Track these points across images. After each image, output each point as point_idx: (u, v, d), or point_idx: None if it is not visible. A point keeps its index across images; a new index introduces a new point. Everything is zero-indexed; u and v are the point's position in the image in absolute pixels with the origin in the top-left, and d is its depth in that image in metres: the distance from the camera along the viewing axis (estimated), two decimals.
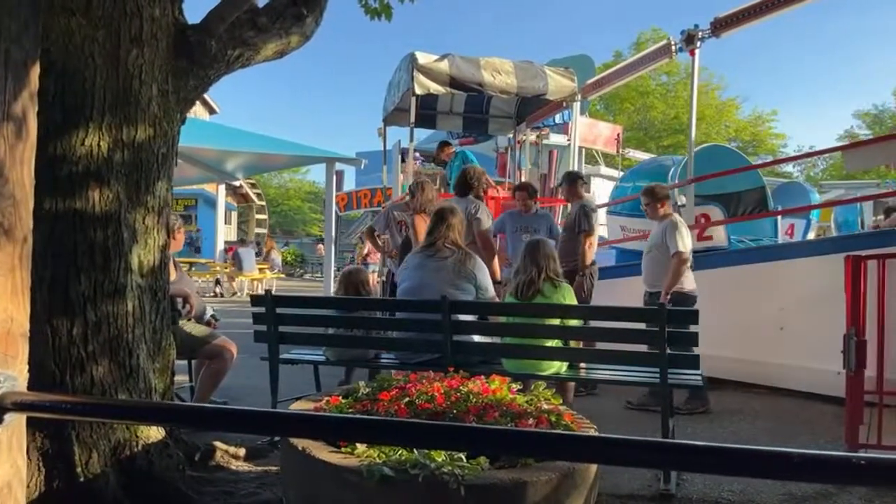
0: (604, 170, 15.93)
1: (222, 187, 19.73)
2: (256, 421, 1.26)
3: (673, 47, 6.33)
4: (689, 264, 4.72)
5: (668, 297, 4.35)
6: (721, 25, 5.85)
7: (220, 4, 2.98)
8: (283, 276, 20.62)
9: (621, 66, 7.70)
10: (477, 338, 3.70)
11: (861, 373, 3.46)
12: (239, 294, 15.38)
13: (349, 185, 29.50)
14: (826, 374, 4.79)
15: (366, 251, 15.22)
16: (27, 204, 1.35)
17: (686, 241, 4.69)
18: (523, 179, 10.32)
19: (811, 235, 10.98)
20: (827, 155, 24.15)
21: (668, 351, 3.08)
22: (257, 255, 17.29)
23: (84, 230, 2.57)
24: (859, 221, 13.65)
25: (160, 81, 2.86)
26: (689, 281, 4.73)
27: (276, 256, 18.63)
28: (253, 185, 29.49)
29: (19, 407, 1.29)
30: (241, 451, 3.43)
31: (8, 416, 1.29)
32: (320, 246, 27.07)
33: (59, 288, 2.50)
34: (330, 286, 14.26)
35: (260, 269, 16.13)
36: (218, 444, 3.36)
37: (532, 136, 10.35)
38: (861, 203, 11.62)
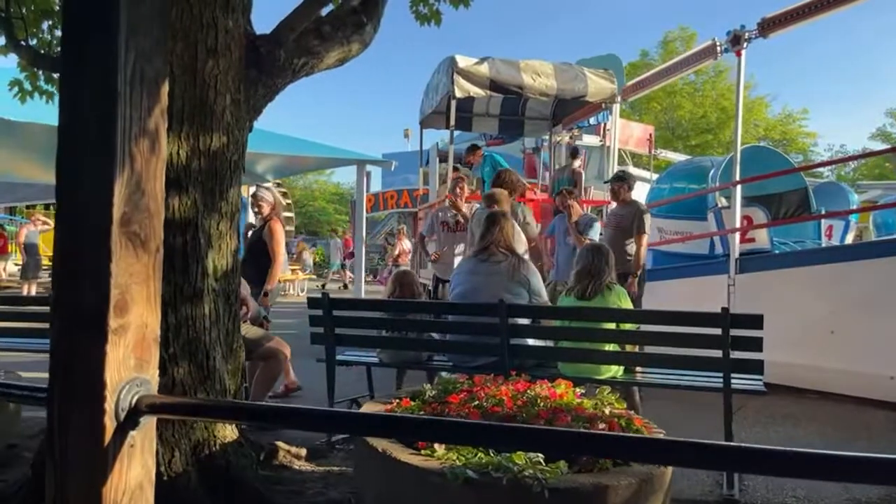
0: (632, 170, 15.84)
1: (252, 189, 20.04)
2: (376, 424, 1.30)
3: (718, 48, 6.28)
4: None
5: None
6: (769, 26, 5.80)
7: (290, 15, 3.06)
8: (313, 276, 20.82)
9: (663, 67, 7.66)
10: (531, 341, 3.73)
11: None
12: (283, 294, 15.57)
13: (375, 186, 29.69)
14: (879, 379, 4.73)
15: (396, 252, 15.30)
16: (160, 216, 1.41)
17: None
18: (554, 180, 10.32)
19: (850, 236, 10.80)
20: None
21: (732, 355, 3.08)
22: (289, 255, 17.49)
23: (165, 236, 2.64)
24: None
25: (233, 91, 2.93)
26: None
27: (308, 257, 18.84)
28: (280, 187, 29.79)
29: (153, 409, 1.36)
30: (303, 452, 3.50)
31: (143, 419, 1.35)
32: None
33: None
34: (361, 287, 14.38)
35: (292, 270, 16.32)
36: (280, 444, 3.43)
37: (566, 137, 10.33)
38: None
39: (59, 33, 3.86)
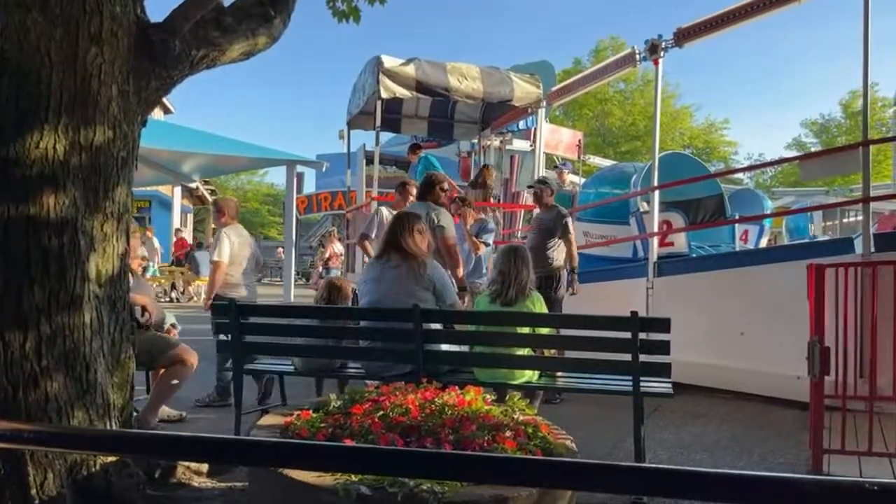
0: (549, 173, 16.12)
1: (178, 189, 19.24)
2: (230, 451, 1.17)
3: (637, 56, 6.42)
4: None
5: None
6: (683, 36, 5.97)
7: (183, 3, 2.87)
8: None
9: (586, 73, 7.79)
10: (445, 347, 3.65)
11: (824, 379, 3.54)
12: (196, 299, 14.99)
13: (309, 187, 29.16)
14: (787, 380, 4.91)
15: (327, 255, 15.02)
16: None
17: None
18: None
19: (764, 241, 11.31)
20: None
21: (641, 359, 3.10)
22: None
23: (38, 237, 2.43)
24: (810, 228, 14.15)
25: (120, 82, 2.72)
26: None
27: None
28: (209, 187, 28.86)
29: None
30: (204, 468, 3.29)
31: None
32: (280, 249, 26.68)
33: (10, 299, 2.35)
34: (291, 291, 14.03)
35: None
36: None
37: (496, 142, 10.38)
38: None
39: None
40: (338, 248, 14.66)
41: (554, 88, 8.22)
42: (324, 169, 15.66)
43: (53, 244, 2.46)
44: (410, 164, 15.12)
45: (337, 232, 16.63)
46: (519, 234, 11.52)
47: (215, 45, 3.10)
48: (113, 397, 2.68)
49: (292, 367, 4.09)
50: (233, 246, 5.06)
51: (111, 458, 2.55)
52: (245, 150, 14.74)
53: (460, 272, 4.60)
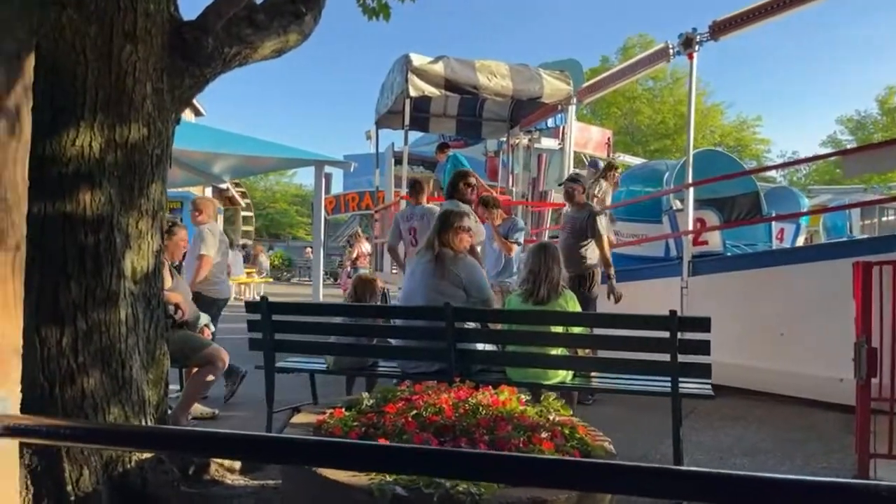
0: (582, 172, 15.91)
1: (209, 190, 19.51)
2: (268, 449, 1.14)
3: (671, 51, 6.29)
4: None
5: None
6: (720, 29, 5.82)
7: (216, 0, 2.87)
8: (270, 280, 20.39)
9: (618, 68, 7.66)
10: (479, 345, 3.60)
11: (870, 381, 3.40)
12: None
13: (337, 188, 29.33)
14: (829, 382, 4.75)
15: (355, 255, 15.06)
16: (20, 208, 1.23)
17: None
18: (514, 183, 10.28)
19: (801, 240, 11.03)
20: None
21: (680, 359, 3.01)
22: (245, 258, 17.08)
23: (74, 235, 2.44)
24: (847, 226, 13.75)
25: (154, 79, 2.73)
26: None
27: (264, 260, 18.44)
28: (239, 188, 29.23)
29: (11, 432, 1.17)
30: (237, 465, 3.29)
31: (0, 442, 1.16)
32: (308, 249, 26.88)
33: (47, 296, 2.36)
34: (319, 291, 14.10)
35: (248, 273, 15.93)
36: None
37: (524, 140, 10.29)
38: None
39: None
40: (366, 247, 14.69)
41: (585, 85, 8.11)
42: (352, 169, 15.67)
43: (90, 241, 2.47)
44: (438, 164, 15.07)
45: (364, 232, 16.68)
46: (546, 234, 11.42)
47: (247, 43, 3.09)
48: (148, 394, 2.68)
49: (325, 365, 4.08)
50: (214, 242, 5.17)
51: (146, 455, 2.55)
52: (274, 151, 14.84)
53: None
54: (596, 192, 7.19)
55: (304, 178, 46.46)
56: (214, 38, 2.91)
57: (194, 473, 3.07)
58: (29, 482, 2.29)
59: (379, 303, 4.92)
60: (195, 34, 2.83)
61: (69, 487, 2.34)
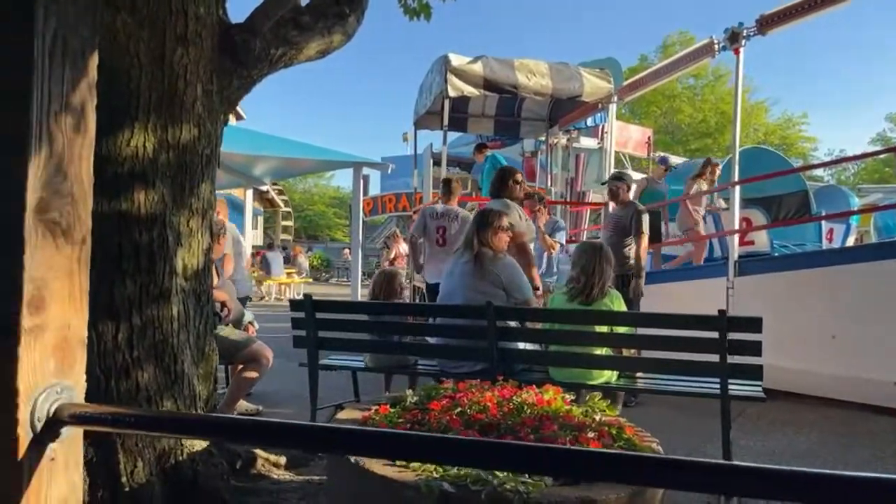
0: (631, 173, 15.68)
1: (250, 192, 19.87)
2: (330, 438, 1.15)
3: (716, 46, 6.15)
4: None
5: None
6: (767, 23, 5.67)
7: (264, 3, 2.92)
8: (310, 280, 20.67)
9: (661, 65, 7.53)
10: (521, 345, 3.58)
11: None
12: (267, 298, 15.42)
13: (374, 189, 29.60)
14: (882, 385, 4.58)
15: (392, 255, 15.16)
16: (86, 203, 1.27)
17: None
18: (553, 183, 10.20)
19: (851, 240, 10.67)
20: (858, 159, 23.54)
21: (730, 360, 2.93)
22: (285, 259, 17.35)
23: (129, 232, 2.51)
24: None
25: (204, 81, 2.79)
26: None
27: (304, 261, 18.70)
28: (279, 190, 29.75)
29: (77, 420, 1.21)
30: (282, 460, 3.34)
31: (65, 431, 1.20)
32: (346, 250, 27.19)
33: (104, 291, 2.44)
34: (358, 291, 14.23)
35: (287, 274, 16.17)
36: (259, 451, 3.28)
37: (563, 139, 10.20)
38: None
39: None
40: (403, 248, 14.76)
41: (626, 82, 7.99)
42: (389, 171, 15.83)
43: (144, 239, 2.54)
44: (474, 164, 15.05)
45: (402, 233, 16.76)
46: (585, 235, 11.30)
47: (293, 44, 3.14)
48: (199, 388, 2.74)
49: (363, 363, 4.11)
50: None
51: (198, 448, 2.61)
52: (313, 153, 15.07)
53: (534, 271, 4.50)
54: (694, 189, 6.99)
55: (341, 180, 47.03)
56: (261, 40, 2.97)
57: (241, 467, 3.13)
58: (85, 473, 2.36)
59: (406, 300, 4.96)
60: (243, 36, 2.88)
61: (124, 479, 2.41)
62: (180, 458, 2.55)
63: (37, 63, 1.17)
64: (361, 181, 15.58)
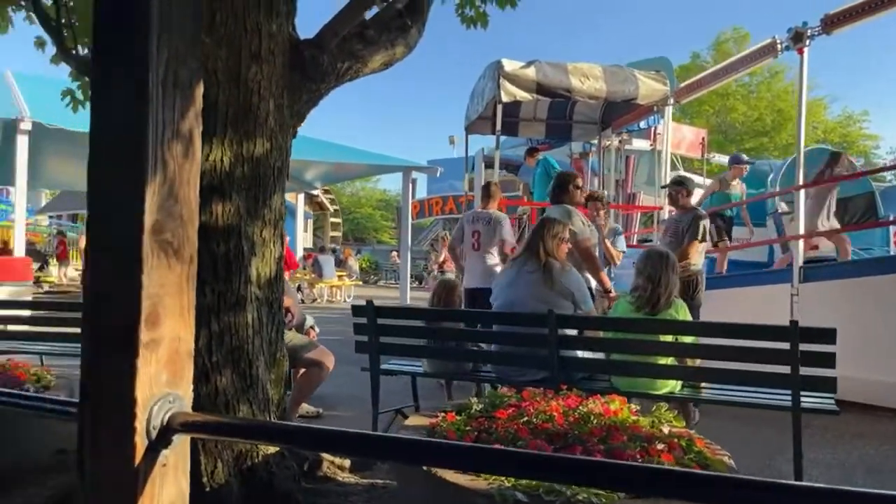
0: (681, 174, 15.34)
1: (301, 196, 20.32)
2: (420, 451, 1.19)
3: (779, 46, 5.99)
4: None
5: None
6: (833, 22, 5.49)
7: (333, 19, 3.01)
8: (360, 282, 20.97)
9: (720, 66, 7.36)
10: (581, 353, 3.57)
11: None
12: (319, 301, 15.72)
13: (421, 193, 29.81)
14: None
15: (442, 258, 15.25)
16: (193, 224, 1.35)
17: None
18: (602, 186, 10.09)
19: None
20: None
21: (802, 372, 2.87)
22: (336, 262, 17.65)
23: (208, 243, 2.62)
24: None
25: (276, 96, 2.89)
26: None
27: (354, 264, 18.98)
28: (327, 194, 30.26)
29: (187, 428, 1.29)
30: (347, 463, 3.42)
31: (176, 438, 1.28)
32: (394, 253, 27.47)
33: None
34: (406, 294, 14.39)
35: (338, 276, 16.45)
36: (324, 455, 3.36)
37: (615, 142, 10.09)
38: None
39: None
40: None
41: (683, 84, 7.85)
42: (438, 174, 15.95)
43: (221, 249, 2.65)
44: (521, 167, 14.98)
45: (449, 235, 16.85)
46: (635, 238, 11.13)
47: (359, 58, 3.22)
48: (271, 392, 2.84)
49: (422, 369, 4.17)
50: None
51: (272, 451, 2.71)
52: (364, 158, 15.34)
53: (603, 276, 4.47)
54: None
55: (387, 183, 47.53)
56: (329, 54, 3.05)
57: (308, 469, 3.22)
58: None
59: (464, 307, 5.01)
60: (312, 52, 2.98)
61: (205, 479, 2.52)
62: (256, 460, 2.65)
63: (152, 93, 1.25)
64: (410, 185, 15.77)
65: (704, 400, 3.41)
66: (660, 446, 2.31)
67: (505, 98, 6.78)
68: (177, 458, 1.33)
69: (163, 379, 1.29)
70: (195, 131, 1.37)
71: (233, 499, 2.53)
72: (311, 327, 4.82)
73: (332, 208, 31.51)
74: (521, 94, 6.82)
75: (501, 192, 6.42)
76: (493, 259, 5.68)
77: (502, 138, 16.24)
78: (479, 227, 5.77)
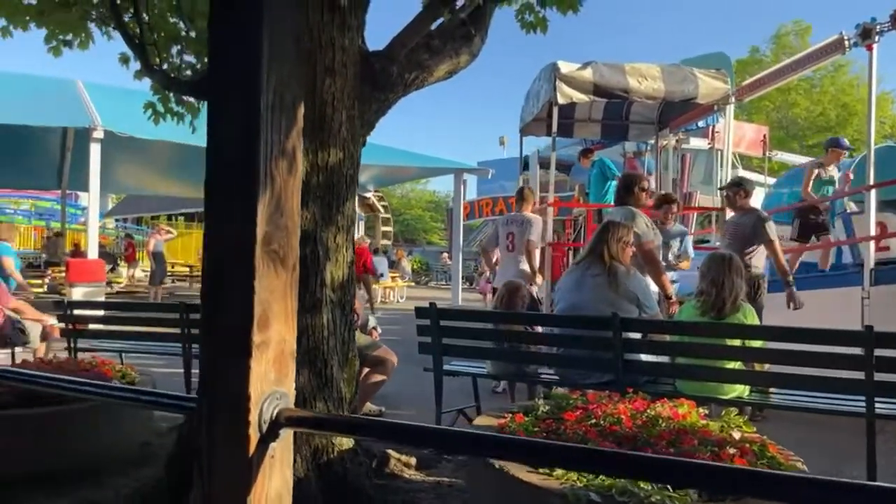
0: (745, 174, 14.94)
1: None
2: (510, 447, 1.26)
3: (846, 42, 5.80)
4: None
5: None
6: None
7: (402, 31, 3.11)
8: (412, 283, 21.20)
9: (785, 63, 7.16)
10: (645, 357, 3.58)
11: None
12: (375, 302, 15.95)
13: (470, 194, 29.88)
14: None
15: (494, 260, 15.30)
16: (296, 234, 1.45)
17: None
18: (659, 186, 9.94)
19: None
20: None
21: (876, 377, 2.81)
22: (389, 263, 17.90)
23: None
24: None
25: (348, 107, 3.01)
26: None
27: (407, 265, 19.20)
28: (379, 196, 30.67)
29: (292, 422, 1.39)
30: (413, 461, 3.52)
31: (283, 432, 1.38)
32: (445, 255, 27.64)
33: None
34: (458, 295, 14.49)
35: (392, 278, 16.68)
36: (391, 452, 3.47)
37: (672, 141, 9.93)
38: None
39: (187, 58, 4.12)
40: None
41: (746, 82, 7.68)
42: (490, 176, 16.00)
43: (299, 254, 2.78)
44: (572, 167, 14.84)
45: None
46: (692, 239, 10.89)
47: (425, 68, 3.32)
48: (344, 391, 2.97)
49: (484, 370, 4.24)
50: None
51: (345, 447, 2.83)
52: (416, 161, 15.53)
53: (665, 279, 4.46)
54: None
55: (437, 184, 47.77)
56: (398, 65, 3.16)
57: (377, 466, 3.34)
58: None
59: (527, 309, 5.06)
60: (383, 63, 3.09)
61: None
62: (331, 455, 2.77)
63: (263, 116, 1.36)
64: (462, 187, 15.86)
65: (773, 405, 3.36)
66: (731, 451, 2.32)
67: (561, 100, 6.80)
68: (283, 450, 1.44)
69: (271, 377, 1.40)
70: (297, 148, 1.49)
71: (311, 491, 2.65)
72: (374, 328, 4.96)
73: (382, 210, 31.89)
74: (578, 96, 6.82)
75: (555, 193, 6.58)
76: (525, 262, 5.93)
77: (551, 139, 16.18)
78: (513, 230, 5.98)
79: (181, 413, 2.44)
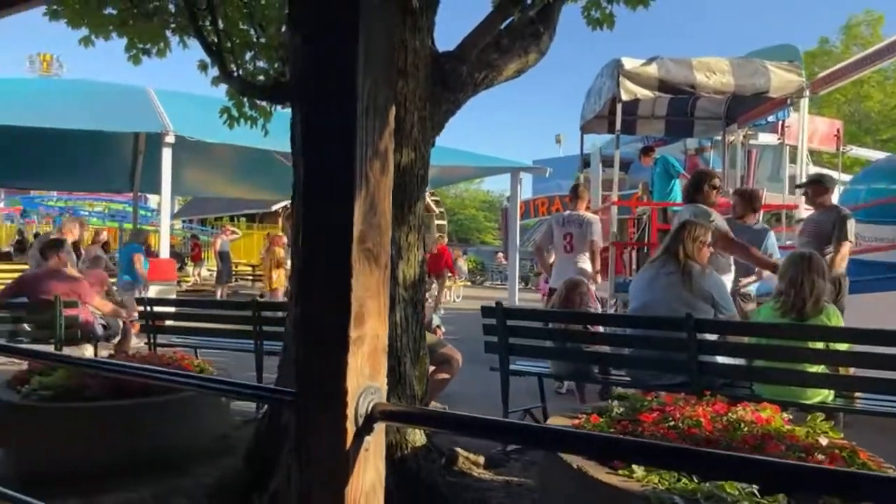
0: (813, 170, 14.32)
1: None
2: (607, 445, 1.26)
3: None
4: None
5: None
6: None
7: (473, 31, 3.13)
8: (467, 283, 21.24)
9: (863, 55, 6.85)
10: (721, 359, 3.48)
11: None
12: (429, 301, 16.09)
13: (525, 193, 29.69)
14: None
15: (551, 260, 15.16)
16: (388, 233, 1.48)
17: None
18: (726, 183, 9.63)
19: None
20: None
21: None
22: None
23: None
24: None
25: (419, 108, 3.05)
26: None
27: (463, 265, 19.25)
28: (433, 196, 30.85)
29: (385, 416, 1.42)
30: (481, 459, 3.54)
31: (376, 426, 1.42)
32: (500, 254, 27.58)
33: None
34: (515, 295, 14.42)
35: (448, 277, 16.73)
36: (460, 450, 3.49)
37: (740, 137, 9.61)
38: None
39: (260, 64, 4.24)
40: None
41: (822, 74, 7.36)
42: (547, 174, 15.86)
43: None
44: (631, 164, 14.52)
45: None
46: None
47: (494, 67, 3.33)
48: (416, 388, 3.01)
49: (549, 370, 4.21)
50: None
51: (418, 444, 2.87)
52: (472, 160, 15.52)
53: (755, 251, 4.35)
54: None
55: (490, 184, 47.75)
56: (468, 65, 3.18)
57: (446, 464, 3.37)
58: None
59: (593, 309, 4.99)
60: (453, 64, 3.12)
61: None
62: (405, 451, 2.82)
63: (359, 119, 1.40)
64: (518, 186, 15.77)
65: (859, 411, 3.22)
66: (820, 457, 2.23)
67: (625, 97, 6.68)
68: (376, 444, 1.47)
69: (366, 372, 1.43)
70: (389, 149, 1.52)
71: (387, 487, 2.69)
72: (438, 326, 5.00)
73: (437, 210, 32.07)
74: (643, 93, 6.69)
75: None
76: (585, 262, 5.84)
77: (610, 137, 15.94)
78: (571, 230, 5.88)
79: (280, 406, 2.52)
